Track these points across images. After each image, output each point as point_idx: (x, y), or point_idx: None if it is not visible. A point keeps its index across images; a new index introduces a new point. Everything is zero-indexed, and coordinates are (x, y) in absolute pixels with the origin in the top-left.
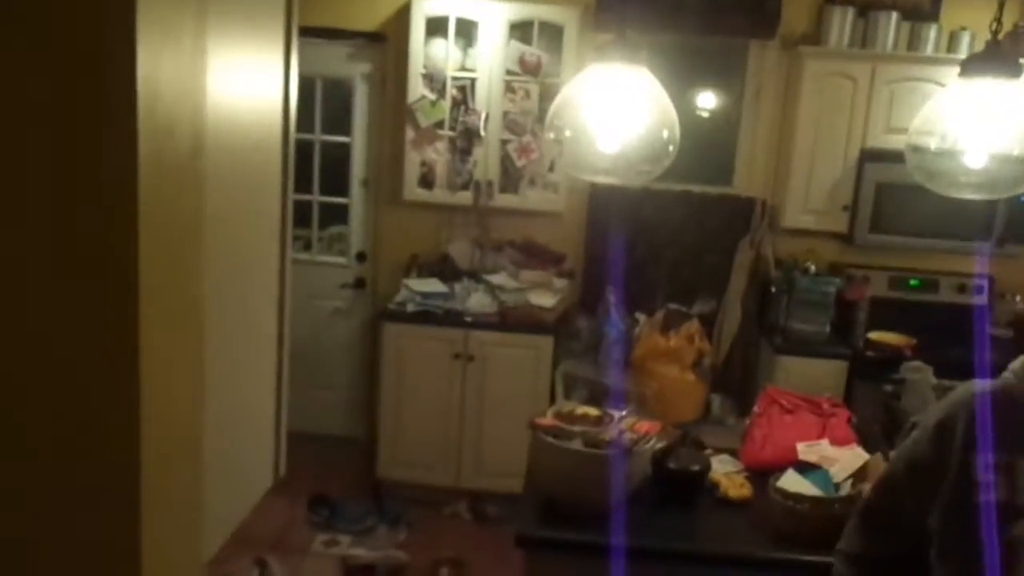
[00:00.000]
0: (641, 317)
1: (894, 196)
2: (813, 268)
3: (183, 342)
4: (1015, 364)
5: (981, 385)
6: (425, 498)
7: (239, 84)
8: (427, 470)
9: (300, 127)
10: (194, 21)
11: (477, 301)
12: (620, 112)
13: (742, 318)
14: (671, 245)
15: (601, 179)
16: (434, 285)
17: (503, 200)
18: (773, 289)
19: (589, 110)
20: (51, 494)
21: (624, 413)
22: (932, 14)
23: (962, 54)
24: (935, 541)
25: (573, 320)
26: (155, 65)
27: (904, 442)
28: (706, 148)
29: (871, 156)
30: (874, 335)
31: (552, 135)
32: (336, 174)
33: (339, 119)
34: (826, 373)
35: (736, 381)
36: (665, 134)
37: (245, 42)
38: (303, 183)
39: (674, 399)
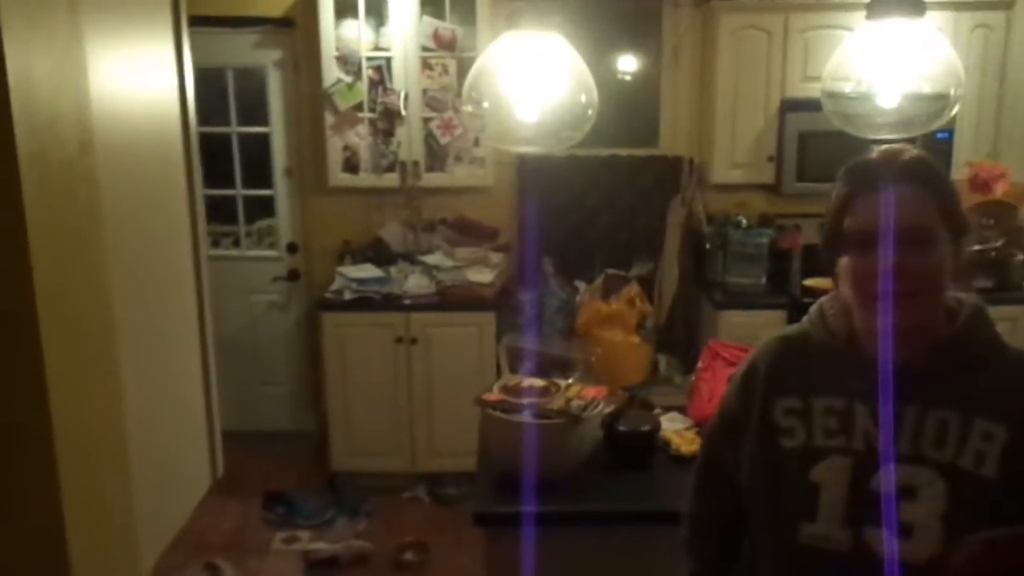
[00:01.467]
0: (581, 285)
1: (817, 143)
2: (745, 221)
3: (91, 346)
4: (812, 309)
5: (782, 332)
6: (383, 485)
7: (127, 76)
8: (382, 457)
9: (216, 120)
10: (67, 12)
11: (414, 283)
12: (537, 80)
13: (680, 277)
14: (604, 210)
15: (524, 149)
16: (369, 270)
17: (431, 179)
18: (708, 246)
19: (505, 80)
20: None
21: (570, 381)
22: None
23: None
24: (745, 491)
25: (513, 294)
26: (27, 58)
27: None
28: (630, 111)
29: (791, 106)
30: (809, 282)
31: (470, 108)
32: (258, 166)
33: (255, 109)
34: (766, 324)
35: (680, 340)
36: (583, 99)
37: (128, 33)
38: (225, 178)
39: (620, 363)
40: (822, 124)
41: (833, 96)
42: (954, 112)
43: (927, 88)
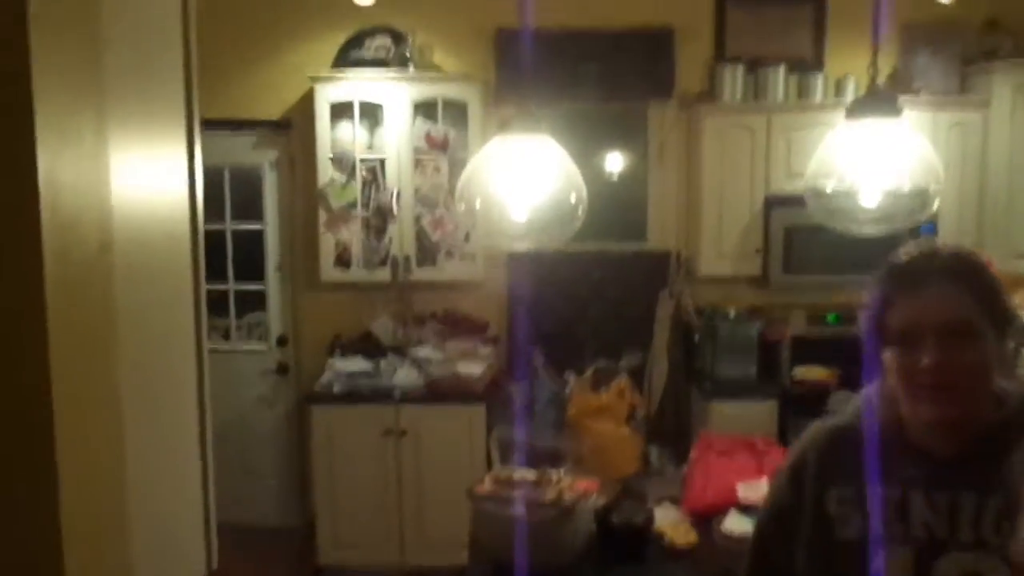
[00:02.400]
0: (571, 376)
1: (802, 237)
2: (733, 313)
3: (101, 439)
4: (858, 401)
5: (830, 422)
6: None
7: (143, 177)
8: (370, 551)
9: (211, 217)
10: (94, 117)
11: (404, 376)
12: (527, 180)
13: (669, 368)
14: (593, 303)
15: (516, 246)
16: (359, 363)
17: (422, 273)
18: (697, 337)
19: (497, 180)
20: None
21: (562, 473)
22: (817, 64)
23: (848, 99)
24: None
25: (503, 386)
26: (56, 163)
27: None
28: (618, 207)
29: (776, 201)
30: (799, 372)
31: (463, 207)
32: (251, 261)
33: (250, 206)
34: (758, 414)
35: (671, 431)
36: (573, 198)
37: (147, 136)
38: (217, 272)
39: (612, 454)
40: (807, 218)
41: (816, 193)
42: (934, 208)
43: (907, 185)
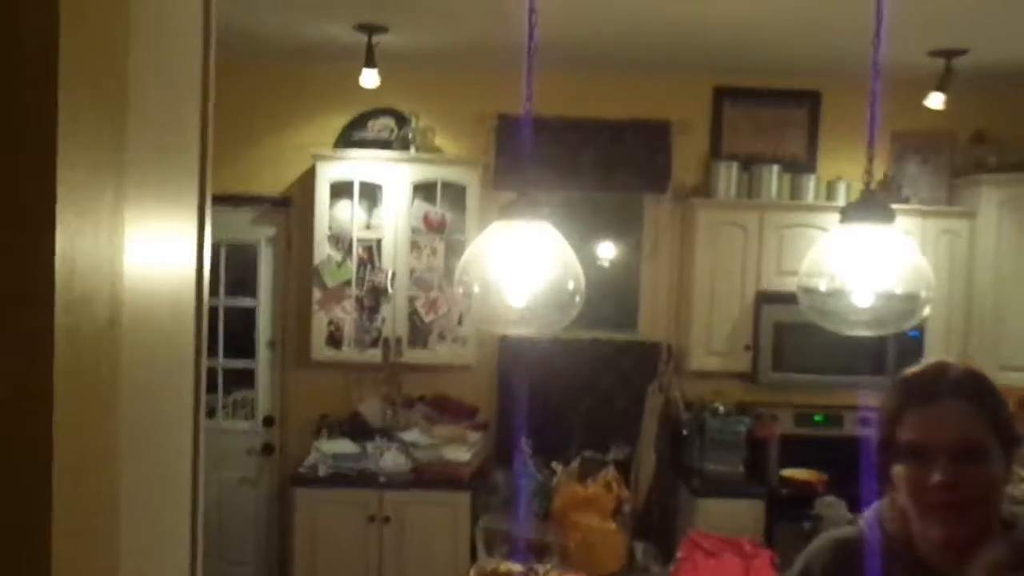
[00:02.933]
0: (558, 467)
1: (792, 335)
2: (722, 409)
3: (97, 515)
4: (869, 513)
5: (836, 534)
6: None
7: (154, 252)
8: None
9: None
10: (113, 195)
11: (391, 460)
12: (526, 266)
13: (657, 462)
14: (582, 392)
15: (512, 331)
16: (345, 446)
17: (413, 355)
18: (685, 432)
19: (496, 265)
20: None
21: (548, 567)
22: (810, 166)
23: (840, 200)
24: None
25: (489, 473)
26: (73, 243)
27: None
28: (610, 296)
29: (767, 298)
30: (787, 472)
31: (461, 290)
32: (242, 337)
33: (244, 282)
34: (744, 512)
35: (656, 526)
36: (571, 285)
37: (160, 212)
38: (208, 348)
39: (597, 549)
40: (797, 316)
41: (809, 292)
42: (925, 313)
43: (899, 289)
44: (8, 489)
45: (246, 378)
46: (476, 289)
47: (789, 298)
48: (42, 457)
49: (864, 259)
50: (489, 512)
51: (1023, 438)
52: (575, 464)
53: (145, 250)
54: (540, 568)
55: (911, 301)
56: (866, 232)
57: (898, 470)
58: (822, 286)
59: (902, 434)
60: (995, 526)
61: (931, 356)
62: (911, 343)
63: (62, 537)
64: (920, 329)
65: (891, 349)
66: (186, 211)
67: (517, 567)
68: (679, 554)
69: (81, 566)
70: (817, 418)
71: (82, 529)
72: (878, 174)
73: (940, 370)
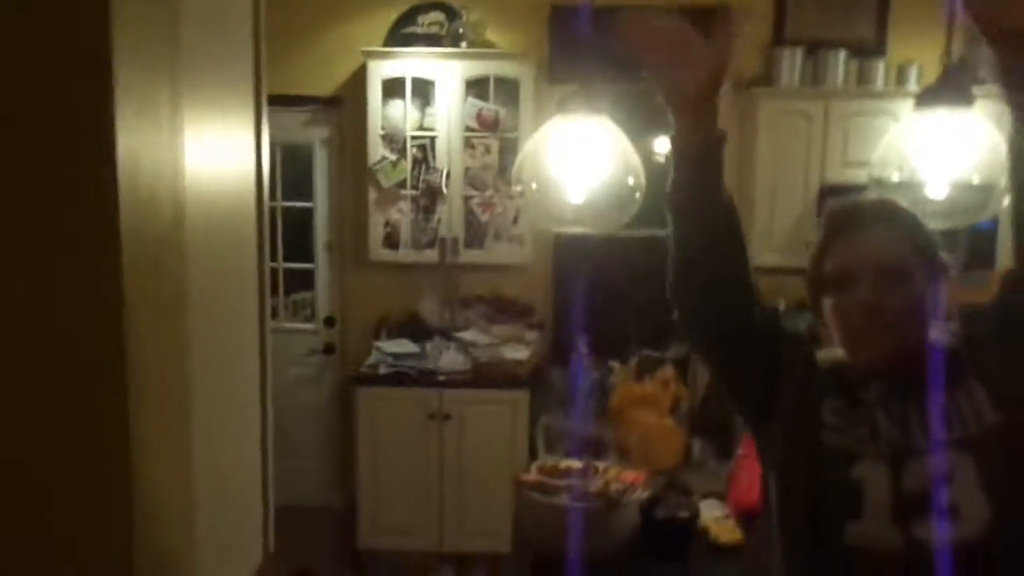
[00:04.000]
0: (615, 365)
1: None
2: (783, 305)
3: (170, 418)
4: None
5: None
6: (409, 564)
7: (214, 153)
8: (409, 536)
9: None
10: (170, 94)
11: (449, 359)
12: (585, 162)
13: None
14: (640, 290)
15: (570, 229)
16: (405, 346)
17: (469, 256)
18: None
19: (554, 162)
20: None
21: (607, 464)
22: (879, 49)
23: (911, 87)
24: (777, 488)
25: (547, 372)
26: (134, 140)
27: None
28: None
29: (831, 191)
30: None
31: (519, 189)
32: (300, 239)
33: (300, 184)
34: None
35: (715, 424)
36: (631, 180)
37: (217, 111)
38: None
39: (654, 446)
40: None
41: (880, 183)
42: (1004, 204)
43: (976, 178)
44: (84, 392)
45: (306, 280)
46: (534, 187)
47: (854, 190)
48: (115, 358)
49: (940, 147)
50: (548, 410)
51: (948, 268)
52: (632, 362)
53: (204, 151)
54: (600, 464)
55: (988, 191)
56: (943, 117)
57: (826, 302)
58: (894, 177)
59: (827, 265)
60: (923, 347)
61: (1005, 247)
62: (984, 234)
63: (139, 434)
64: (995, 220)
65: (962, 241)
66: (243, 111)
67: (577, 463)
68: (739, 451)
69: (157, 462)
70: None
71: (157, 430)
72: (956, 54)
73: (861, 201)
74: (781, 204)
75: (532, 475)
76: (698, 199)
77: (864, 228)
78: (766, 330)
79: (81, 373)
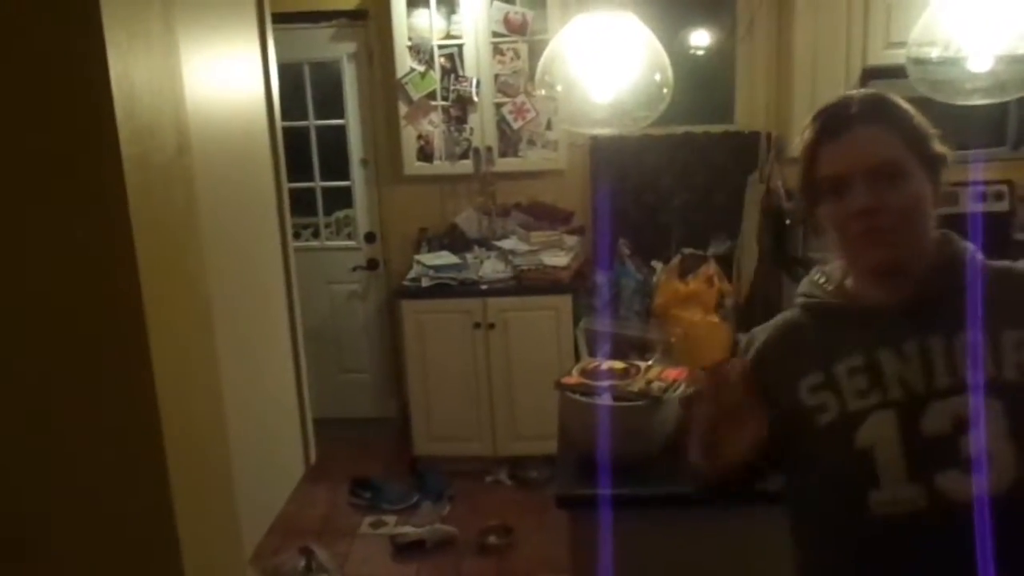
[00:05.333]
0: (658, 265)
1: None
2: None
3: (193, 339)
4: (801, 289)
5: (778, 320)
6: (465, 469)
7: (217, 76)
8: (463, 442)
9: (293, 114)
10: (161, 19)
11: (491, 268)
12: (610, 60)
13: (759, 254)
14: (679, 189)
15: (599, 131)
16: (446, 258)
17: (504, 164)
18: (788, 221)
19: (578, 62)
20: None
21: (650, 363)
22: None
23: None
24: (796, 485)
25: (589, 276)
26: (127, 63)
27: None
28: (704, 87)
29: (873, 74)
30: None
31: (543, 91)
32: (335, 157)
33: (331, 102)
34: None
35: (761, 319)
36: (658, 77)
37: (217, 34)
38: (304, 170)
39: (700, 343)
40: (905, 92)
41: (919, 62)
42: None
43: (1022, 48)
44: (101, 333)
45: (344, 197)
46: (559, 89)
47: (898, 72)
48: (131, 292)
49: (982, 17)
50: (591, 314)
51: (944, 157)
52: (675, 261)
53: (206, 71)
54: (642, 364)
55: None
56: None
57: (822, 209)
58: (934, 54)
59: (820, 171)
60: (927, 247)
61: None
62: None
63: (161, 363)
64: None
65: (1013, 117)
66: (245, 28)
67: (619, 364)
68: None
69: (183, 389)
70: None
71: (179, 354)
72: None
73: (848, 99)
74: (821, 91)
75: (574, 377)
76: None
77: (852, 128)
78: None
79: (95, 306)
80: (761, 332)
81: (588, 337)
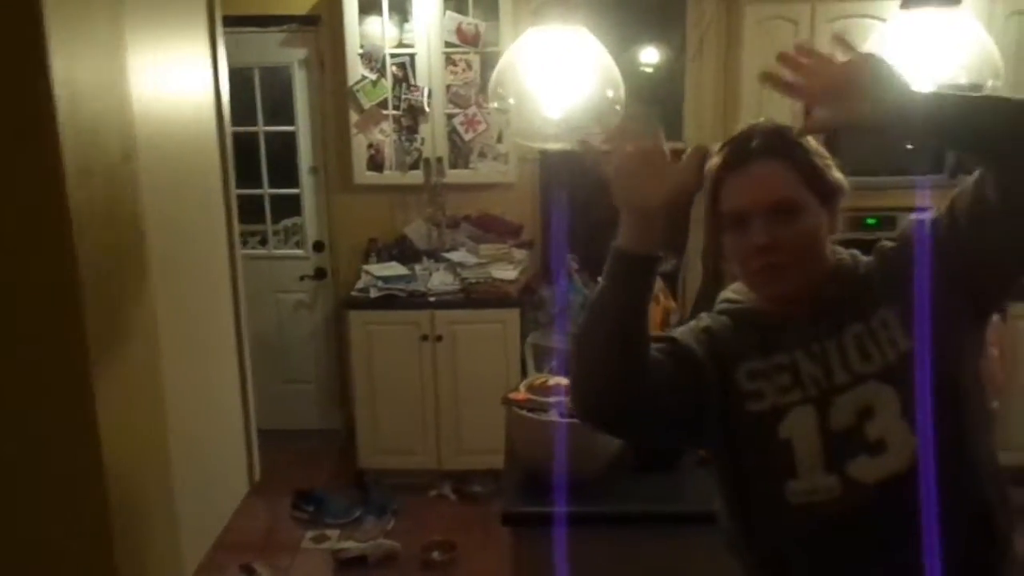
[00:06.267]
0: None
1: (843, 137)
2: None
3: (135, 353)
4: (719, 301)
5: (723, 308)
6: (409, 483)
7: (166, 78)
8: (408, 455)
9: (243, 120)
10: (109, 18)
11: (439, 280)
12: (562, 75)
13: (704, 272)
14: None
15: (550, 145)
16: (394, 268)
17: (454, 175)
18: None
19: (531, 76)
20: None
21: None
22: None
23: None
24: (721, 466)
25: (537, 290)
26: (70, 60)
27: None
28: (654, 104)
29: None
30: None
31: (496, 104)
32: (285, 164)
33: (282, 108)
34: None
35: None
36: (610, 93)
37: (166, 37)
38: (252, 177)
39: None
40: None
41: None
42: None
43: (963, 78)
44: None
45: (293, 205)
46: (511, 102)
47: None
48: (72, 306)
49: (926, 48)
50: (538, 328)
51: (841, 187)
52: None
53: (154, 74)
54: None
55: (976, 92)
56: (929, 17)
57: (725, 240)
58: None
59: (723, 203)
60: (821, 272)
61: None
62: None
63: (103, 386)
64: None
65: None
66: (194, 32)
67: (565, 380)
68: None
69: (125, 404)
70: (869, 221)
71: (122, 376)
72: None
73: (750, 132)
74: (768, 112)
75: (521, 393)
76: (611, 321)
77: (753, 162)
78: (680, 384)
79: (34, 315)
80: (715, 320)
81: (536, 352)
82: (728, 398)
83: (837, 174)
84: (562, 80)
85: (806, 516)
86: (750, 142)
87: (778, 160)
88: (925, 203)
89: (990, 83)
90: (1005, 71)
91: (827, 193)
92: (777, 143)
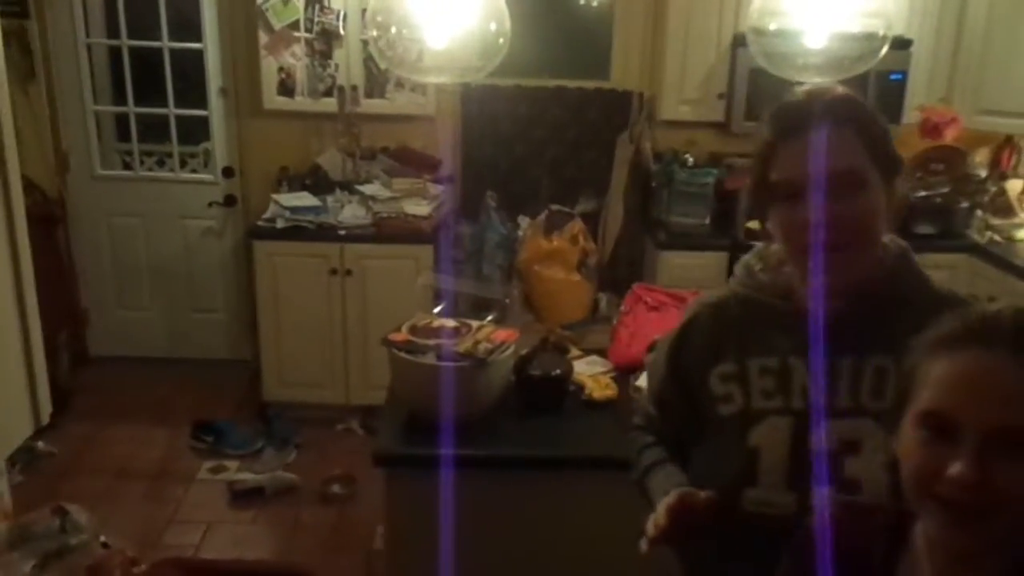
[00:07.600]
0: (524, 220)
1: (768, 81)
2: (691, 160)
3: None
4: (738, 269)
5: (708, 299)
6: (317, 417)
7: None
8: (316, 389)
9: (146, 33)
10: None
11: (351, 213)
12: (445, 5)
13: (625, 215)
14: (550, 143)
15: (431, 79)
16: (305, 199)
17: (370, 105)
18: (653, 183)
19: (412, 4)
20: None
21: (484, 323)
22: None
23: None
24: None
25: (454, 227)
26: None
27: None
28: (581, 41)
29: (743, 41)
30: (751, 223)
31: (374, 32)
32: (193, 84)
33: (189, 23)
34: (707, 265)
35: (623, 279)
36: (493, 27)
37: None
38: (158, 96)
39: (560, 300)
40: (746, 61)
41: (758, 32)
42: (881, 54)
43: (857, 26)
44: None
45: (202, 128)
46: (393, 31)
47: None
48: None
49: None
50: (436, 268)
51: (902, 161)
52: (541, 217)
53: None
54: (474, 323)
55: (869, 41)
56: None
57: (772, 214)
58: (772, 25)
59: (774, 172)
60: (875, 262)
61: (914, 101)
62: (893, 87)
63: None
64: (903, 72)
65: (871, 94)
66: None
67: (451, 322)
68: (623, 307)
69: None
70: None
71: None
72: None
73: (810, 96)
74: (693, 54)
75: (401, 334)
76: None
77: (811, 128)
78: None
79: None
80: (691, 324)
81: (426, 292)
82: (701, 400)
83: (897, 151)
84: (445, 10)
85: (757, 524)
86: (812, 105)
87: (844, 127)
88: None
89: (881, 32)
90: (925, 22)
91: (891, 169)
92: (844, 109)
